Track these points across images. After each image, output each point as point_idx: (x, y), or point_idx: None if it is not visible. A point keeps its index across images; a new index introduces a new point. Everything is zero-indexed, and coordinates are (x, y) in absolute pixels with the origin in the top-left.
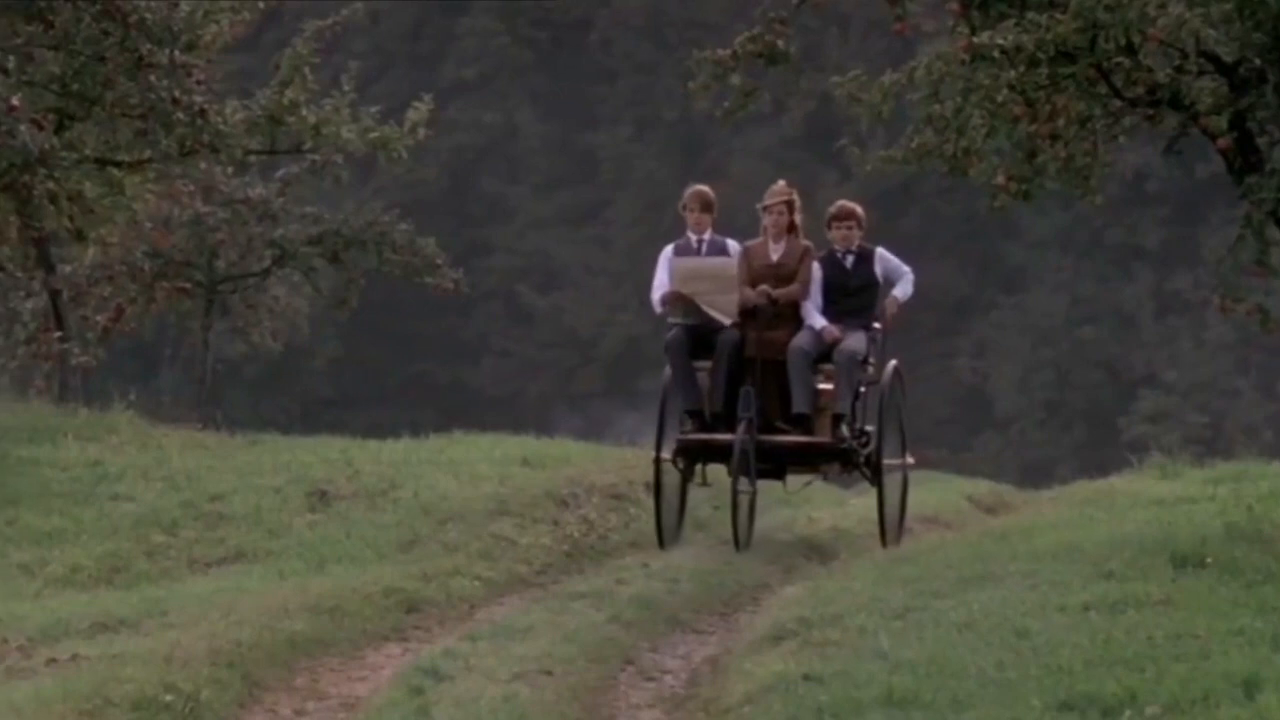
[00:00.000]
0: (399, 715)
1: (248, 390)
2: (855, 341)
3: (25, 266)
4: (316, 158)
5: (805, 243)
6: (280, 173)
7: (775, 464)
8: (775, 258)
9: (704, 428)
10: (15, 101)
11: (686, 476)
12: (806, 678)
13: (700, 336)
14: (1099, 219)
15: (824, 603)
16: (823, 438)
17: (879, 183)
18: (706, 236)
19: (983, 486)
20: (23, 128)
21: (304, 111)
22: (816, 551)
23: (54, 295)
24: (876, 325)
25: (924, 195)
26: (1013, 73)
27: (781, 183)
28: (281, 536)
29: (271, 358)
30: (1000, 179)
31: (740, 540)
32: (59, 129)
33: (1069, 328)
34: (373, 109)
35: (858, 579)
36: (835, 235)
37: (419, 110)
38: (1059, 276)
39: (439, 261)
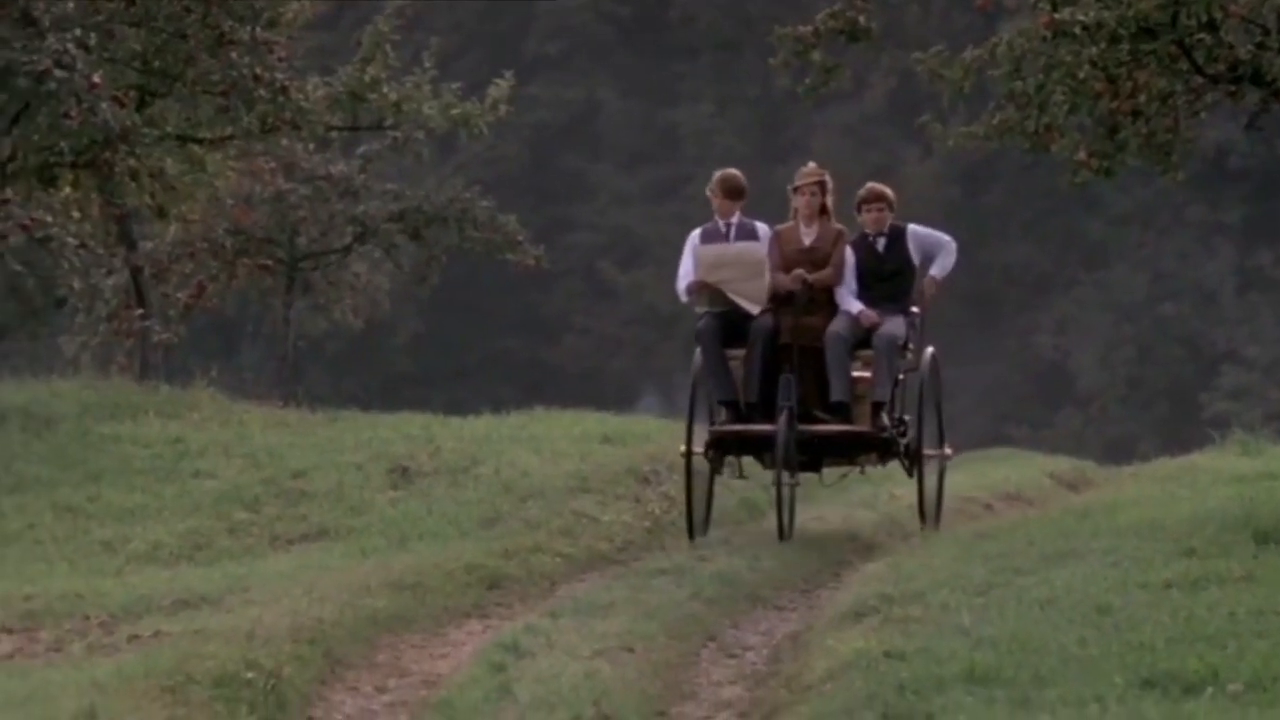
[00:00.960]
0: (480, 692)
1: (329, 367)
2: (894, 326)
3: (107, 243)
4: (398, 134)
5: (838, 226)
6: (362, 149)
7: (812, 455)
8: (808, 241)
9: (739, 419)
10: (97, 79)
11: (716, 469)
12: (888, 654)
13: (732, 324)
14: (1180, 195)
15: (905, 579)
16: (862, 427)
17: (960, 159)
18: (735, 220)
19: (1064, 463)
20: (104, 105)
21: (385, 88)
22: (897, 528)
23: (135, 272)
24: (914, 310)
25: (1005, 172)
26: (1094, 49)
27: (812, 164)
28: (363, 513)
29: (353, 334)
30: (1082, 155)
31: (785, 534)
32: (140, 106)
33: (1150, 304)
34: (454, 85)
35: (939, 555)
36: (866, 219)
37: (500, 87)
38: (1140, 253)
39: (520, 238)
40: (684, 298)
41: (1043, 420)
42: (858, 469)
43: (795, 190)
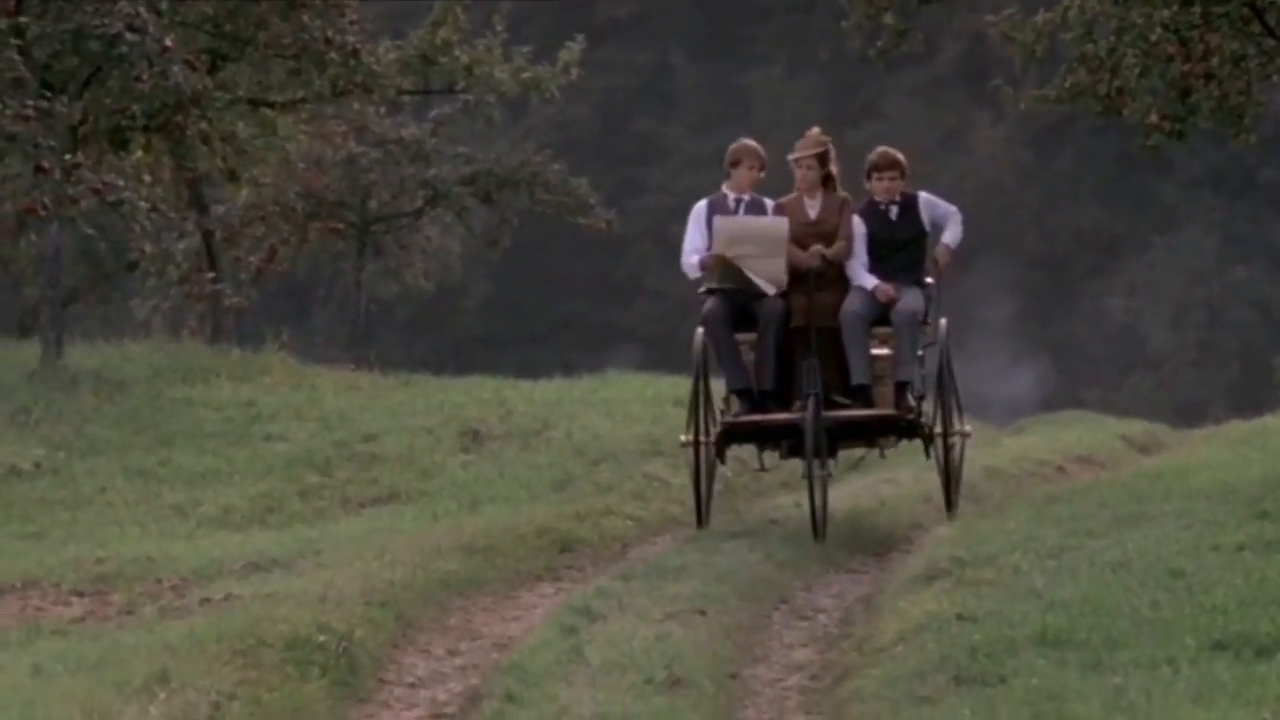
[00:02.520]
0: (552, 655)
1: (400, 330)
2: (913, 300)
3: (178, 207)
4: (469, 98)
5: (843, 194)
6: (433, 113)
7: (831, 440)
8: (813, 214)
9: (754, 407)
10: (169, 42)
11: (722, 459)
12: (960, 617)
13: (741, 306)
14: (1252, 158)
15: (978, 542)
16: (885, 409)
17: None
18: (746, 197)
19: (1136, 426)
20: (176, 69)
21: (456, 52)
22: (970, 491)
23: (207, 236)
24: (929, 280)
25: (1077, 135)
26: (1166, 12)
27: (815, 129)
28: (435, 476)
29: (424, 298)
30: (1153, 118)
31: (820, 528)
32: (212, 70)
33: (1221, 267)
34: (525, 49)
35: (1011, 518)
36: (877, 187)
37: (571, 50)
38: (1212, 216)
39: (591, 201)
40: (693, 273)
41: (1114, 383)
42: (878, 451)
43: (794, 162)
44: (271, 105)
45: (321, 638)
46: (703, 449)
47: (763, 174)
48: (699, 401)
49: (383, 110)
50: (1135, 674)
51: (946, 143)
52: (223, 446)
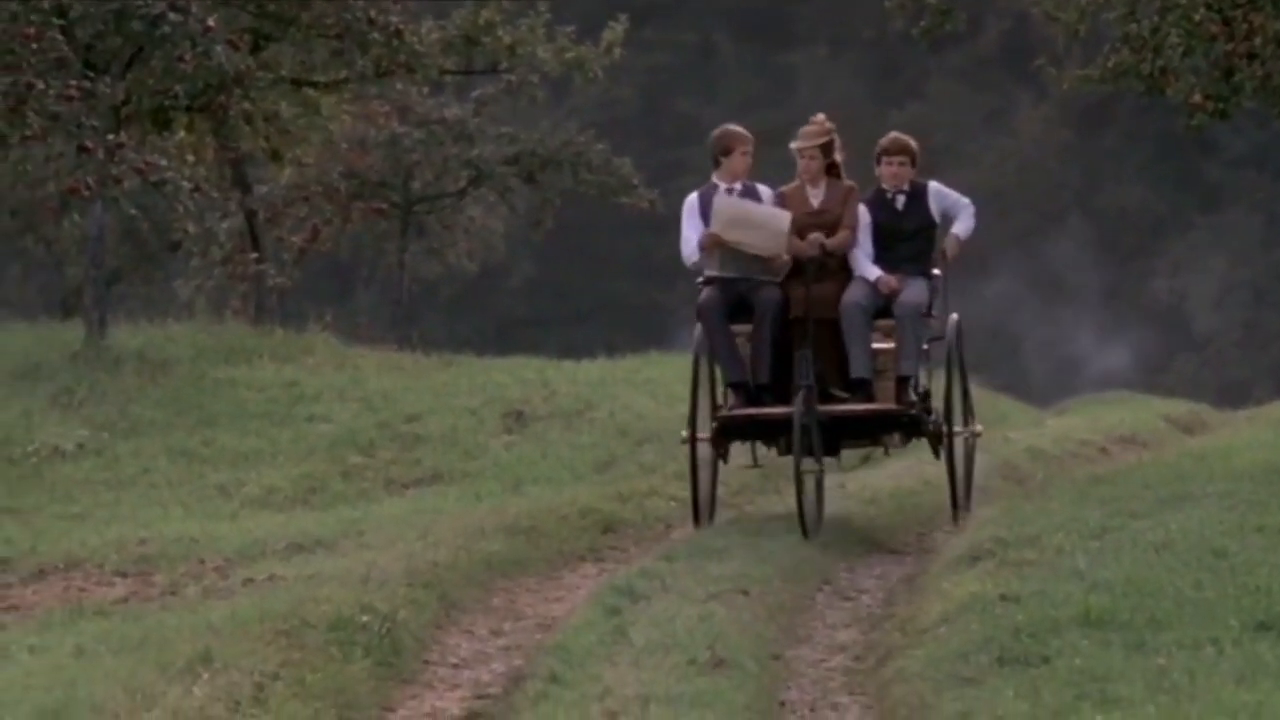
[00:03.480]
0: (595, 635)
1: (443, 311)
2: (916, 292)
3: (221, 187)
4: (512, 78)
5: (848, 183)
6: (476, 93)
7: (831, 437)
8: (816, 203)
9: (750, 401)
10: (211, 22)
11: (721, 457)
12: (1003, 597)
13: (739, 296)
14: None
15: (1021, 523)
16: (886, 404)
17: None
18: (738, 186)
19: (1180, 406)
20: (219, 48)
21: (499, 31)
22: (1013, 472)
23: (250, 216)
24: (936, 272)
25: (1120, 114)
26: None
27: (820, 116)
28: (478, 457)
29: (467, 278)
30: (1197, 97)
31: (809, 528)
32: (255, 49)
33: (1266, 247)
34: (568, 29)
35: (1054, 499)
36: (885, 173)
37: (614, 30)
38: (1256, 195)
39: (634, 181)
40: (691, 260)
41: (1158, 363)
42: (881, 450)
43: (797, 151)
44: (314, 85)
45: (365, 618)
46: (700, 446)
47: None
48: (697, 397)
49: (425, 90)
50: (1178, 654)
51: (989, 123)
52: (266, 427)
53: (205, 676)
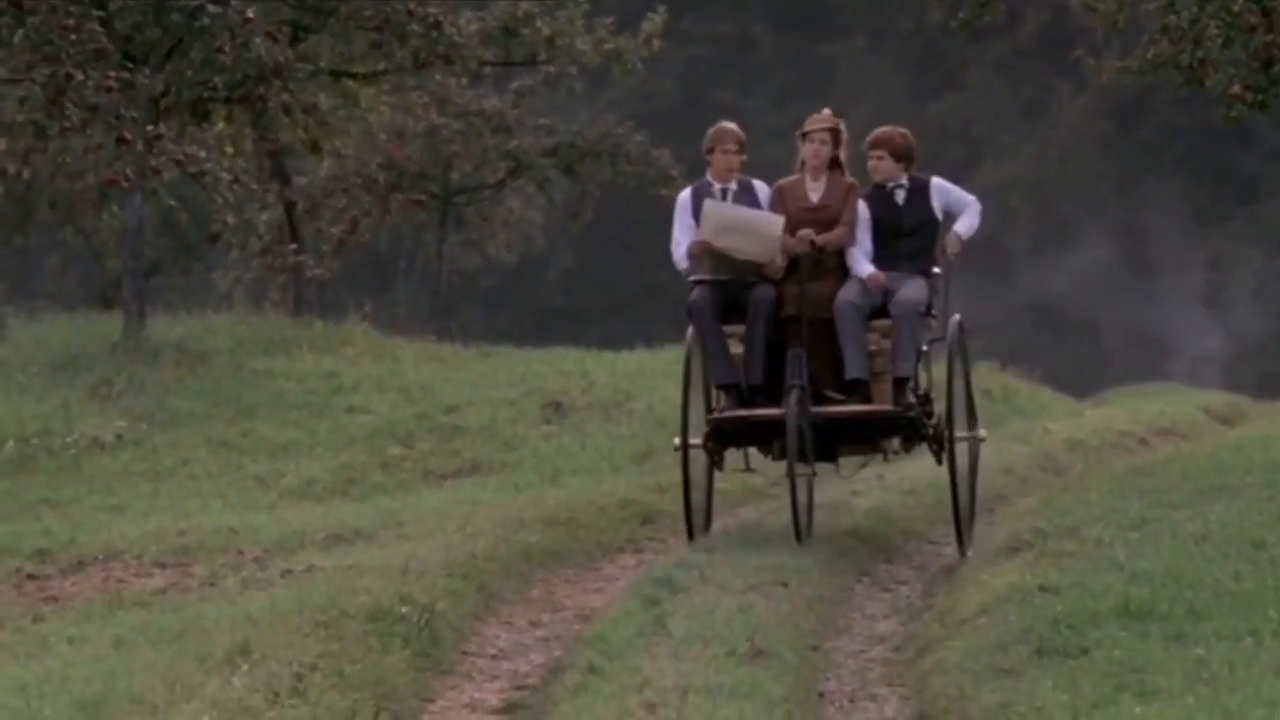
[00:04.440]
0: (634, 626)
1: (482, 302)
2: (915, 290)
3: (260, 179)
4: (551, 69)
5: (850, 179)
6: (514, 84)
7: (826, 441)
8: (815, 198)
9: (741, 403)
10: (250, 14)
11: (716, 463)
12: (1042, 589)
13: (732, 296)
14: None
15: (1060, 514)
16: (883, 406)
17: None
18: (733, 184)
19: (1218, 398)
20: (258, 40)
21: (538, 23)
22: (1052, 463)
23: (289, 207)
24: (936, 270)
25: (1159, 106)
26: None
27: (826, 110)
28: (516, 448)
29: (506, 269)
30: (1236, 89)
31: (802, 533)
32: (294, 41)
33: None
34: (607, 20)
35: (1093, 490)
36: (870, 167)
37: (653, 21)
38: None
39: (673, 173)
40: (682, 264)
41: (1197, 355)
42: (880, 455)
43: (803, 137)
44: (353, 76)
45: (403, 609)
46: (693, 452)
47: (743, 157)
48: (689, 399)
49: (464, 82)
50: (1218, 646)
51: (1028, 114)
52: (305, 418)
53: (244, 668)
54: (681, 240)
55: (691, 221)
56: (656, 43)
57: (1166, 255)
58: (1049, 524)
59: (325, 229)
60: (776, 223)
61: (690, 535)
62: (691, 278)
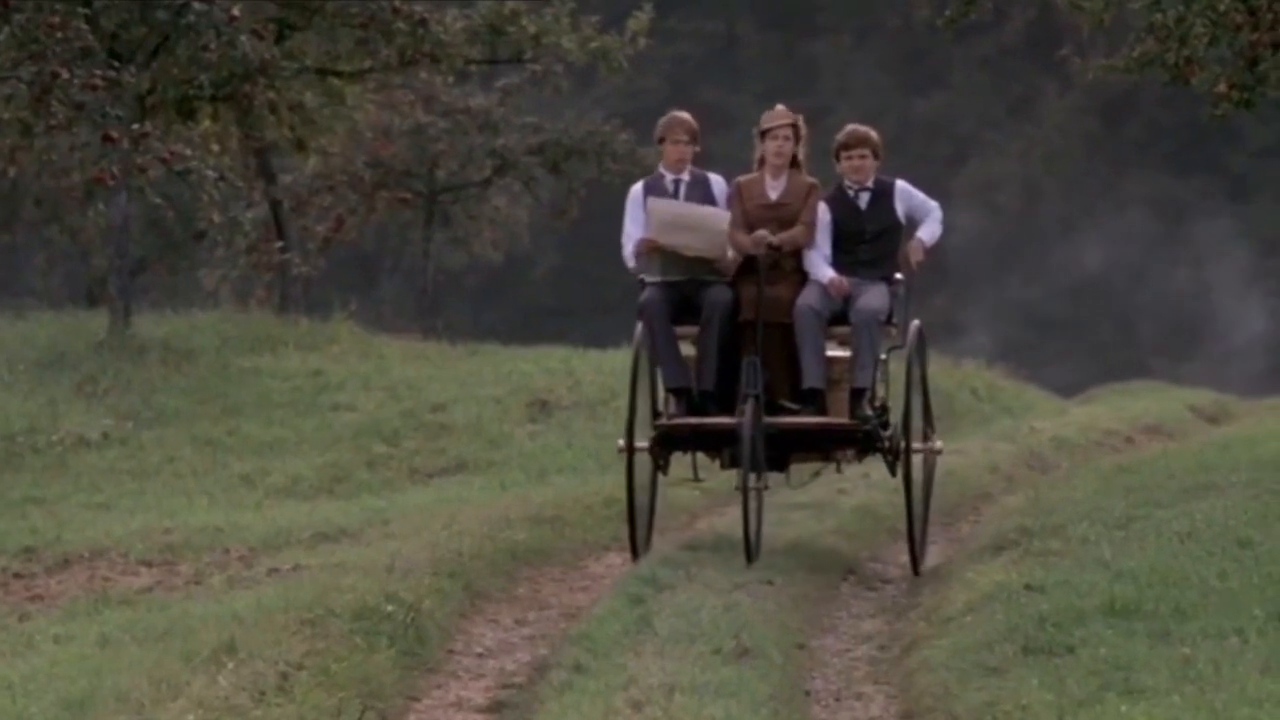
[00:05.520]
0: (620, 625)
1: (468, 300)
2: (876, 298)
3: (246, 177)
4: (537, 67)
5: (810, 179)
6: (501, 82)
7: (778, 450)
8: (774, 196)
9: (692, 410)
10: (236, 12)
11: (661, 470)
12: (1028, 587)
13: (684, 297)
14: None
15: (1045, 512)
16: (839, 418)
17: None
18: (685, 177)
19: (1205, 396)
20: (243, 38)
21: (524, 21)
22: (1038, 461)
23: (275, 205)
24: (898, 276)
25: (1145, 104)
26: None
27: (781, 107)
28: (502, 447)
29: (492, 267)
30: (1222, 87)
31: (753, 549)
32: (279, 39)
33: None
34: (593, 18)
35: (1079, 488)
36: (846, 168)
37: (639, 19)
38: None
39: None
40: (630, 262)
41: (1183, 353)
42: (834, 466)
43: (763, 135)
44: (339, 75)
45: (389, 608)
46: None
47: (695, 147)
48: (636, 401)
49: (450, 80)
50: (1203, 644)
51: (1014, 112)
52: (290, 416)
53: (230, 666)
54: (632, 235)
55: (642, 216)
56: (643, 41)
57: (1152, 254)
58: (1035, 522)
59: (311, 227)
60: (724, 217)
61: (634, 552)
62: (641, 277)
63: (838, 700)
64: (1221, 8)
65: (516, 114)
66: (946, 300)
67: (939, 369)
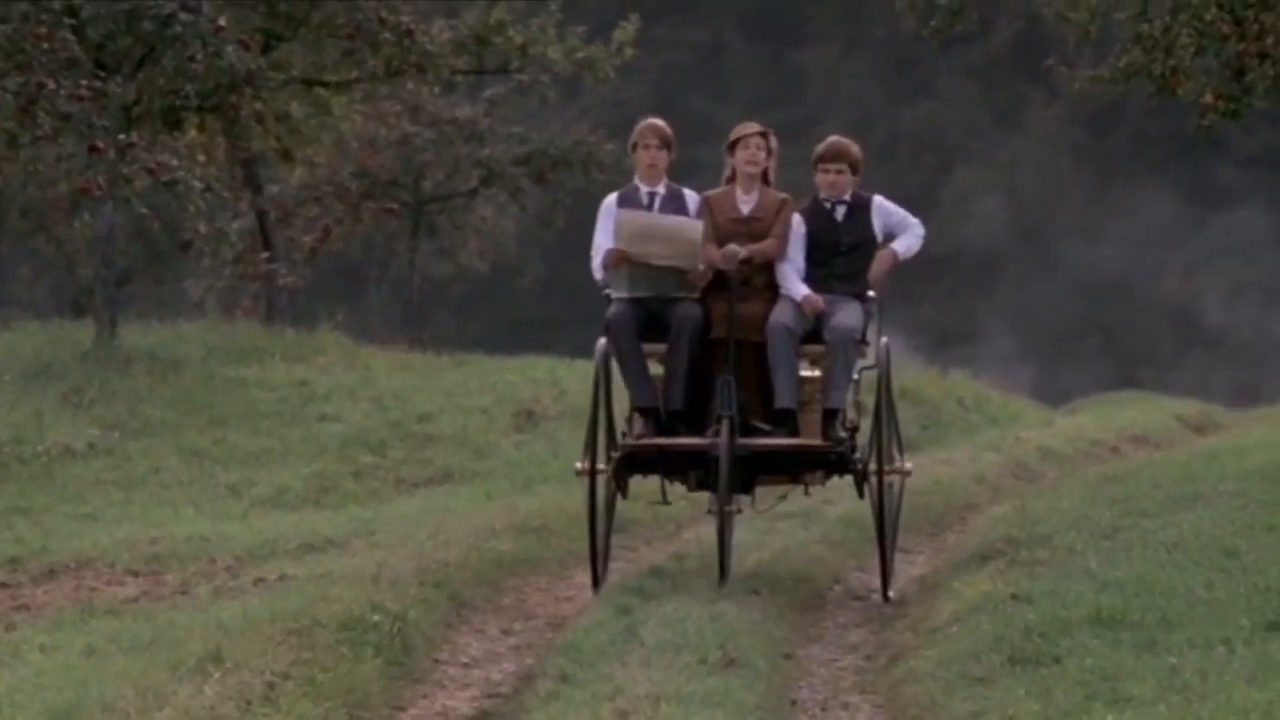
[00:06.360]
0: (606, 635)
1: (454, 310)
2: (851, 316)
3: (232, 187)
4: (523, 78)
5: (783, 195)
6: (487, 93)
7: (747, 472)
8: (746, 210)
9: (660, 430)
10: (222, 22)
11: (621, 492)
12: (1014, 597)
13: (652, 313)
14: None
15: (1032, 522)
16: (811, 439)
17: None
18: (661, 189)
19: (1191, 406)
20: (230, 48)
21: (511, 31)
22: (1025, 471)
23: (261, 216)
24: (871, 293)
25: (1132, 115)
26: None
27: (751, 123)
28: (488, 457)
29: (478, 278)
30: (1208, 97)
31: (726, 571)
32: (266, 49)
33: (1278, 246)
34: (579, 29)
35: (1065, 498)
36: (822, 181)
37: (625, 29)
38: (1268, 195)
39: None
40: (598, 274)
41: (1169, 363)
42: (802, 488)
43: (733, 147)
44: (325, 85)
45: (375, 618)
46: (601, 480)
47: (669, 153)
48: (598, 422)
49: (437, 90)
50: (1190, 654)
51: (1001, 122)
52: (277, 427)
53: (216, 676)
54: (601, 246)
55: (613, 228)
56: (629, 51)
57: (1138, 263)
58: (1021, 532)
59: (297, 237)
60: (696, 227)
61: (595, 581)
62: (607, 291)
63: (824, 710)
64: (1208, 18)
65: (503, 124)
66: (933, 310)
67: (926, 379)
